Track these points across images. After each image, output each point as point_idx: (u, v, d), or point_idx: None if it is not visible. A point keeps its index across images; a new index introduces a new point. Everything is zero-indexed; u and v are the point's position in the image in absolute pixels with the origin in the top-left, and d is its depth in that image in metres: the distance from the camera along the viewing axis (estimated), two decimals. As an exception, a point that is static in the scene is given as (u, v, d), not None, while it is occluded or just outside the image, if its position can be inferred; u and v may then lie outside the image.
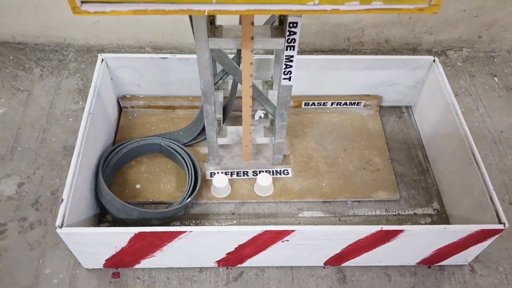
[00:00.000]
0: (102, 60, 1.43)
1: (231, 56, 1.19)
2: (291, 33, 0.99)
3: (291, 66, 1.08)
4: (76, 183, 1.15)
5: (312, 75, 1.53)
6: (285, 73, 1.10)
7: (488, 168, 1.50)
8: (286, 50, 1.04)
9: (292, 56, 1.06)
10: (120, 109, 1.59)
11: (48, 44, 1.83)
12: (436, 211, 1.40)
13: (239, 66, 1.20)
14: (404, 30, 1.81)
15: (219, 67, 1.38)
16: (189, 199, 1.31)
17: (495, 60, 1.90)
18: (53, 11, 1.69)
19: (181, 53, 1.77)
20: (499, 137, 1.61)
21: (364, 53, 1.88)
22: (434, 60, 1.49)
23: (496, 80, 1.81)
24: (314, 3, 0.67)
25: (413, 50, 1.90)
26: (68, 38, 1.81)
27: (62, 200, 1.10)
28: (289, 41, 1.01)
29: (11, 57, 1.78)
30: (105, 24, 1.74)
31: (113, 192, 1.27)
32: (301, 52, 1.87)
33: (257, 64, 1.49)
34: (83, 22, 1.72)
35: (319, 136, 1.57)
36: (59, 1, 1.65)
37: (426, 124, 1.56)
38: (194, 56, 1.43)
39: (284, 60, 1.07)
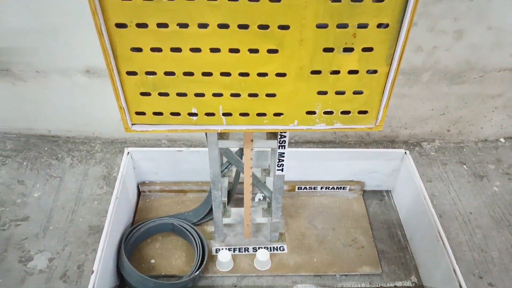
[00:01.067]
0: (128, 153, 1.72)
1: (235, 150, 1.47)
2: (282, 136, 1.27)
3: (282, 161, 1.36)
4: (103, 257, 1.37)
5: (304, 164, 1.81)
6: (278, 165, 1.38)
7: (459, 246, 1.72)
8: (278, 148, 1.32)
9: (283, 153, 1.34)
10: (139, 193, 1.85)
11: (79, 137, 2.14)
12: (414, 284, 1.59)
13: (242, 159, 1.48)
14: (382, 125, 2.12)
15: (225, 159, 1.66)
16: (197, 272, 1.51)
17: (464, 150, 2.19)
18: (84, 111, 2.02)
19: (192, 145, 2.07)
20: (468, 218, 1.84)
21: (349, 144, 2.18)
22: (405, 153, 1.77)
23: (465, 167, 2.09)
24: (294, 125, 0.96)
25: (392, 141, 2.20)
26: (96, 132, 2.12)
27: (93, 272, 1.32)
28: (280, 142, 1.30)
29: (46, 148, 2.08)
30: (128, 120, 2.06)
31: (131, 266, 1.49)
32: (295, 143, 2.17)
33: (256, 155, 1.78)
34: (111, 119, 2.04)
35: (311, 216, 1.80)
36: (89, 104, 1.98)
37: (403, 206, 1.81)
38: (204, 149, 1.71)
39: (277, 156, 1.35)
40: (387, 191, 1.94)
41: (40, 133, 2.13)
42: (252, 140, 1.29)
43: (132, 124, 0.96)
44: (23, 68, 1.86)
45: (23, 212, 1.78)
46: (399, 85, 1.98)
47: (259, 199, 1.84)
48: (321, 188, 1.88)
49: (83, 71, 1.86)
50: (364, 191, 1.92)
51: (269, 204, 1.61)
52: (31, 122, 2.09)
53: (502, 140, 2.25)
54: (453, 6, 1.72)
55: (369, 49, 0.85)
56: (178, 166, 1.81)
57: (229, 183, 1.72)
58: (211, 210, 1.64)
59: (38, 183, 1.91)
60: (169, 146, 2.14)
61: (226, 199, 1.64)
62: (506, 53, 1.90)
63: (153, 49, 0.84)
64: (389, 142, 2.20)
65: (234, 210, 1.62)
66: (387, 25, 0.81)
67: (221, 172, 1.64)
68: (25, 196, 1.85)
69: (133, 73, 0.88)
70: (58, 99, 1.97)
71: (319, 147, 2.15)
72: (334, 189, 1.88)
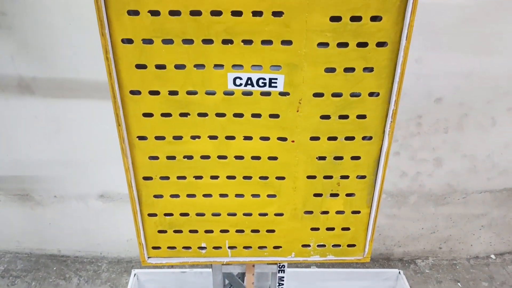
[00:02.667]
0: (135, 274, 1.81)
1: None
2: (281, 266, 1.39)
3: (282, 284, 1.45)
4: None
5: (303, 285, 1.89)
6: (278, 286, 1.47)
7: None
8: (278, 273, 1.43)
9: (283, 277, 1.44)
10: (142, 315, 1.90)
11: (87, 257, 2.23)
12: None
13: (244, 282, 1.57)
14: (376, 244, 2.23)
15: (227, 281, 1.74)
16: None
17: (457, 267, 2.27)
18: (95, 233, 2.14)
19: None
20: None
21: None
22: (399, 272, 1.86)
23: (460, 285, 2.15)
24: (291, 257, 1.09)
25: (387, 259, 2.29)
26: (103, 251, 2.22)
27: None
28: (280, 266, 1.41)
29: (55, 268, 2.16)
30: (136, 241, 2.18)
31: None
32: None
33: (257, 276, 1.86)
34: (118, 240, 2.16)
35: None
36: (100, 226, 2.11)
37: (401, 327, 1.84)
38: (207, 269, 1.81)
39: (277, 279, 1.45)
40: (385, 311, 1.99)
41: (50, 253, 2.23)
42: (253, 266, 1.41)
43: (148, 257, 1.09)
44: (43, 194, 2.03)
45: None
46: (388, 206, 2.14)
47: (260, 321, 1.87)
48: (321, 308, 1.93)
49: (98, 196, 2.03)
50: (363, 311, 1.96)
51: (270, 327, 1.66)
52: (43, 242, 2.20)
53: (492, 256, 2.34)
54: (429, 140, 1.95)
55: (352, 195, 1.02)
56: (183, 287, 1.88)
57: (231, 304, 1.78)
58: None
59: (44, 305, 1.96)
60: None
61: (228, 321, 1.69)
62: (483, 177, 2.09)
63: (172, 196, 1.01)
64: (385, 259, 2.29)
65: (236, 333, 1.66)
66: (364, 176, 0.99)
67: (224, 294, 1.71)
68: (30, 319, 1.89)
69: (154, 215, 1.04)
70: (71, 222, 2.11)
71: (318, 266, 2.23)
72: (333, 309, 1.93)
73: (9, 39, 1.67)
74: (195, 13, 0.79)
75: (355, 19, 0.80)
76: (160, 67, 0.84)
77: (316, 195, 1.02)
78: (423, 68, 1.79)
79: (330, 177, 0.99)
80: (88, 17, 1.60)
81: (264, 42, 0.82)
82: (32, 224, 2.13)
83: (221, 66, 0.85)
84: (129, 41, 0.82)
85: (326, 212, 1.05)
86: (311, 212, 1.05)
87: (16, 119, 1.83)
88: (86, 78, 1.73)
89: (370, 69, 0.85)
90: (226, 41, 0.82)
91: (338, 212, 1.05)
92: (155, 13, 0.79)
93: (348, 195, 1.02)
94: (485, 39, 1.74)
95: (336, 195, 1.02)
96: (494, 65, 1.81)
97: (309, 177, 0.99)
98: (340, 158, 0.96)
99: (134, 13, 0.79)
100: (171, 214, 1.04)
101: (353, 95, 0.88)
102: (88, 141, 1.88)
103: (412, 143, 1.96)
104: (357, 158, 0.96)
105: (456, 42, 1.75)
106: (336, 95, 0.88)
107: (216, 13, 0.79)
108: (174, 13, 0.79)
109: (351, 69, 0.85)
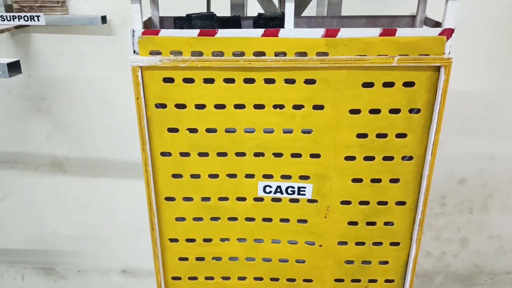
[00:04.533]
0: None
1: None
2: None
3: None
4: None
5: None
6: None
7: None
8: None
9: None
10: None
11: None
12: None
13: None
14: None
15: None
16: None
17: None
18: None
19: None
20: None
21: None
22: None
23: None
24: None
25: None
26: (122, 327, 2.19)
27: None
28: None
29: None
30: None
31: None
32: None
33: None
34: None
35: None
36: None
37: None
38: None
39: None
40: None
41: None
42: None
43: None
44: (67, 267, 2.05)
45: None
46: (414, 287, 2.08)
47: None
48: None
49: (120, 271, 2.04)
50: None
51: None
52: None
53: None
54: (454, 220, 1.93)
55: (380, 298, 1.01)
56: None
57: None
58: None
59: None
60: None
61: None
62: (511, 257, 2.03)
63: (200, 295, 1.02)
64: None
65: None
66: (392, 281, 0.99)
67: None
68: None
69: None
70: (93, 297, 2.11)
71: None
72: None
73: (46, 121, 1.77)
74: (230, 130, 0.84)
75: (382, 136, 0.84)
76: (195, 176, 0.89)
77: (344, 297, 1.02)
78: (446, 150, 1.81)
79: (358, 280, 0.99)
80: (121, 102, 1.70)
81: (294, 155, 0.87)
82: (53, 297, 2.14)
83: (253, 175, 0.89)
84: (168, 154, 0.87)
85: (353, 314, 1.04)
86: (339, 312, 1.04)
87: (47, 196, 1.90)
88: (117, 159, 1.80)
89: (396, 180, 0.88)
90: (257, 154, 0.87)
91: (367, 313, 1.04)
92: (193, 130, 0.84)
93: (376, 297, 1.01)
94: (507, 122, 1.77)
95: (364, 296, 1.01)
96: (516, 147, 1.82)
97: (337, 280, 0.99)
98: (368, 262, 0.97)
99: (173, 130, 0.85)
100: (198, 312, 1.05)
101: (380, 203, 0.91)
102: (113, 218, 1.92)
103: (436, 223, 1.94)
104: (385, 263, 0.97)
105: (478, 126, 1.78)
106: (364, 203, 0.91)
107: (249, 130, 0.84)
108: (210, 130, 0.84)
109: (378, 180, 0.88)
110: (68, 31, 1.64)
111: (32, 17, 1.58)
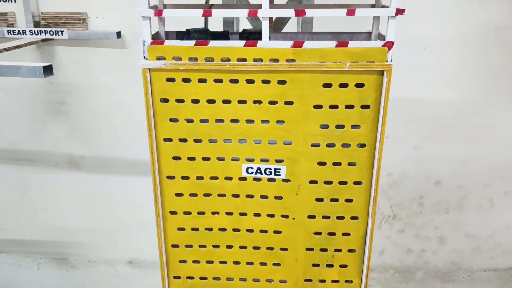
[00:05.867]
0: (156, 338, 1.95)
1: None
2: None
3: None
4: None
5: None
6: None
7: None
8: None
9: None
10: None
11: (111, 320, 2.39)
12: None
13: None
14: (386, 319, 2.32)
15: None
16: None
17: None
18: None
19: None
20: None
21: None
22: None
23: None
24: (293, 320, 1.26)
25: (397, 335, 2.35)
26: (127, 316, 2.38)
27: None
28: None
29: (81, 330, 2.32)
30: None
31: None
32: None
33: None
34: (142, 305, 2.33)
35: None
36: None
37: None
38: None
39: None
40: None
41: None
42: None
43: (172, 316, 1.28)
44: (79, 258, 2.25)
45: None
46: (397, 281, 2.25)
47: None
48: None
49: (127, 262, 2.24)
50: None
51: None
52: (73, 304, 2.38)
53: (504, 338, 2.36)
54: (432, 219, 2.11)
55: (345, 266, 1.20)
56: None
57: None
58: None
59: None
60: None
61: None
62: (486, 256, 2.20)
63: (194, 261, 1.22)
64: (395, 336, 2.35)
65: None
66: (354, 250, 1.18)
67: None
68: None
69: (178, 277, 1.24)
70: (100, 285, 2.30)
71: None
72: None
73: (65, 123, 2.00)
74: (219, 121, 1.06)
75: (340, 126, 1.05)
76: (191, 158, 1.10)
77: (314, 265, 1.21)
78: (422, 154, 2.01)
79: (326, 250, 1.18)
80: (129, 106, 1.93)
81: (271, 141, 1.08)
82: (64, 286, 2.33)
83: (237, 159, 1.10)
84: (169, 140, 1.08)
85: (323, 281, 1.23)
86: (310, 280, 1.23)
87: (63, 191, 2.12)
88: (125, 157, 2.02)
89: (353, 164, 1.09)
90: (241, 141, 1.08)
91: (333, 281, 1.23)
92: (189, 120, 1.06)
93: (341, 266, 1.20)
94: (476, 130, 1.97)
95: (331, 265, 1.20)
96: (488, 153, 2.01)
97: (308, 249, 1.18)
98: (333, 234, 1.16)
99: (174, 120, 1.06)
100: (192, 278, 1.24)
101: (341, 183, 1.11)
102: (121, 212, 2.13)
103: (415, 222, 2.13)
104: (348, 234, 1.16)
105: (450, 133, 1.97)
106: (328, 182, 1.11)
107: (234, 121, 1.06)
108: (203, 120, 1.06)
109: (339, 163, 1.09)
110: (87, 44, 1.89)
111: (56, 32, 1.83)
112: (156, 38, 1.11)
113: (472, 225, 2.13)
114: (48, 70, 1.25)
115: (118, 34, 1.83)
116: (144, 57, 1.01)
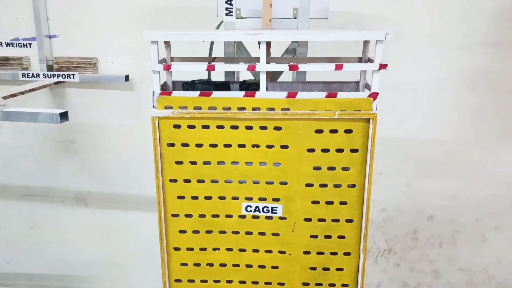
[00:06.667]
0: None
1: None
2: None
3: None
4: None
5: None
6: None
7: None
8: None
9: None
10: None
11: None
12: None
13: None
14: None
15: None
16: None
17: None
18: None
19: None
20: None
21: None
22: None
23: None
24: None
25: None
26: None
27: None
28: None
29: None
30: None
31: None
32: None
33: None
34: None
35: None
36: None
37: None
38: None
39: None
40: None
41: None
42: None
43: None
44: (82, 292, 2.31)
45: None
46: (394, 315, 2.29)
47: None
48: None
49: (129, 295, 2.29)
50: None
51: None
52: None
53: None
54: (426, 253, 2.18)
55: (339, 299, 1.27)
56: None
57: None
58: None
59: None
60: None
61: None
62: (481, 290, 2.25)
63: (196, 295, 1.29)
64: None
65: None
66: (347, 285, 1.25)
67: None
68: None
69: (181, 311, 1.31)
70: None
71: None
72: None
73: (74, 161, 2.10)
74: (221, 163, 1.16)
75: (331, 168, 1.15)
76: (194, 198, 1.19)
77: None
78: (414, 190, 2.10)
79: (321, 284, 1.25)
80: (136, 145, 2.03)
81: (268, 182, 1.17)
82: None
83: (237, 197, 1.19)
84: (174, 180, 1.18)
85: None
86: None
87: (70, 226, 2.19)
88: (131, 194, 2.11)
89: (345, 203, 1.17)
90: (241, 181, 1.17)
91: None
92: (194, 163, 1.16)
93: (335, 301, 1.27)
94: (466, 167, 2.06)
95: (326, 300, 1.27)
96: (477, 189, 2.09)
97: (304, 283, 1.26)
98: (328, 269, 1.24)
99: (179, 162, 1.16)
100: (194, 311, 1.31)
101: (333, 220, 1.19)
102: (127, 247, 2.20)
103: (410, 256, 2.19)
104: (341, 269, 1.24)
105: (441, 169, 2.07)
106: (321, 220, 1.20)
107: (235, 163, 1.15)
108: (206, 163, 1.16)
109: (331, 202, 1.18)
110: (96, 86, 2.01)
111: (68, 75, 1.96)
112: (164, 88, 1.22)
113: (465, 259, 2.19)
114: (64, 116, 1.36)
115: (126, 78, 1.95)
116: (154, 106, 1.12)
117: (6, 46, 2.00)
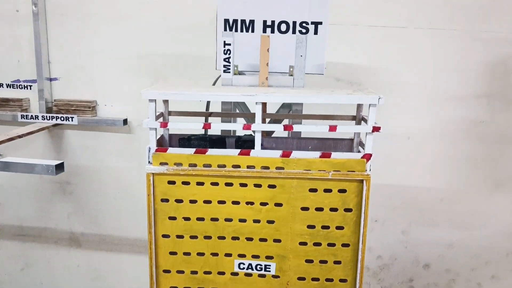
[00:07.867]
0: None
1: None
2: None
3: None
4: None
5: None
6: None
7: None
8: None
9: None
10: None
11: None
12: None
13: None
14: None
15: None
16: None
17: None
18: None
19: None
20: None
21: None
22: None
23: None
24: None
25: None
26: None
27: None
28: None
29: None
30: None
31: None
32: None
33: None
34: None
35: None
36: None
37: None
38: None
39: None
40: None
41: None
42: None
43: None
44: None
45: None
46: None
47: None
48: None
49: None
50: None
51: None
52: None
53: None
54: (422, 302, 2.14)
55: None
56: None
57: None
58: None
59: None
60: None
61: None
62: None
63: None
64: None
65: None
66: None
67: None
68: None
69: None
70: None
71: None
72: None
73: (69, 202, 2.09)
74: (214, 219, 1.15)
75: (325, 227, 1.14)
76: (187, 254, 1.18)
77: None
78: (410, 239, 2.08)
79: None
80: (132, 189, 2.03)
81: (261, 239, 1.17)
82: None
83: (230, 254, 1.18)
84: (167, 236, 1.17)
85: None
86: None
87: (62, 267, 2.16)
88: (125, 236, 2.09)
89: (339, 262, 1.17)
90: (234, 238, 1.17)
91: None
92: (187, 219, 1.15)
93: None
94: (460, 215, 2.06)
95: None
96: (472, 237, 2.08)
97: None
98: (320, 328, 1.22)
99: (173, 218, 1.16)
100: None
101: (327, 280, 1.18)
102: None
103: (407, 307, 2.15)
104: (334, 329, 1.22)
105: (436, 218, 2.06)
106: (315, 279, 1.18)
107: (228, 220, 1.15)
108: (200, 219, 1.16)
109: (325, 261, 1.17)
110: (95, 129, 2.02)
111: (67, 117, 1.97)
112: (161, 142, 1.24)
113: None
114: (59, 167, 1.36)
115: (125, 121, 1.97)
116: (149, 162, 1.13)
117: (7, 87, 2.03)
